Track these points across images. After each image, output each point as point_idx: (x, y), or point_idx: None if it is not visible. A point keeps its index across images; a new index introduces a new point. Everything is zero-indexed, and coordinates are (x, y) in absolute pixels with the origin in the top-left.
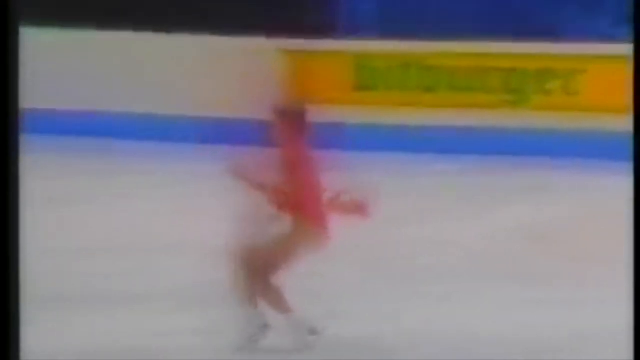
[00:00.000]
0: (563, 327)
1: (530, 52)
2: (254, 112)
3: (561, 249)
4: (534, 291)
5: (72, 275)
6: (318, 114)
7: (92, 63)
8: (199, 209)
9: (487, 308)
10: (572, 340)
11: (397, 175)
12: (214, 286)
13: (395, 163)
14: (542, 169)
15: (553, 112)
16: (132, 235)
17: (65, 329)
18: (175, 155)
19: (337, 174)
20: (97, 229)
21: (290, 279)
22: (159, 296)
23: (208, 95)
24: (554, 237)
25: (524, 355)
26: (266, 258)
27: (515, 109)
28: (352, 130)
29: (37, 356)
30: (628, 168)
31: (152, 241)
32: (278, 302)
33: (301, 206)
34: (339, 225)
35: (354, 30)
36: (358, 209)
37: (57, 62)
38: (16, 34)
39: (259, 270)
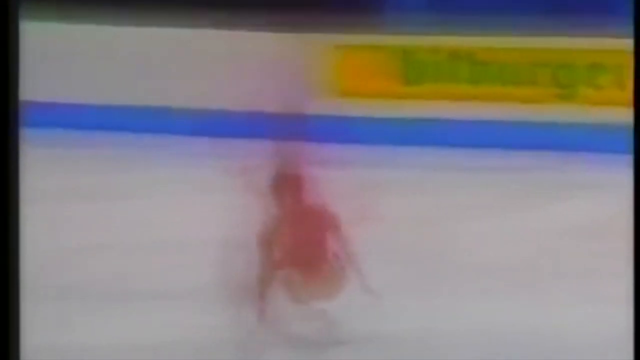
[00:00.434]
0: (618, 323)
1: (581, 47)
2: (302, 107)
3: (614, 246)
4: (587, 288)
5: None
6: (365, 109)
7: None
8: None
9: (540, 305)
10: (627, 337)
11: (446, 170)
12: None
13: (443, 158)
14: (593, 165)
15: (604, 107)
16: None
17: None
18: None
19: (384, 168)
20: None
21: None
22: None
23: (254, 90)
24: (606, 234)
25: (577, 353)
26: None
27: (565, 103)
28: (399, 124)
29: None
30: None
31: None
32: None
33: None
34: (388, 221)
35: (401, 25)
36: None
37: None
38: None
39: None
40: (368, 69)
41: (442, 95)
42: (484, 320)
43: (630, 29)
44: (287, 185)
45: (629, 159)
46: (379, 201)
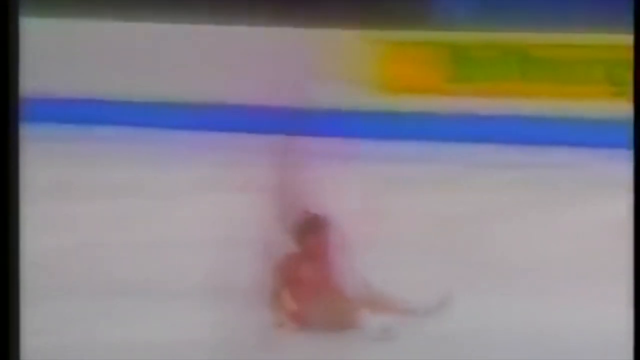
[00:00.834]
0: None
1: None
2: (351, 103)
3: None
4: (625, 288)
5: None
6: (413, 105)
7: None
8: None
9: (580, 304)
10: None
11: (495, 166)
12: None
13: (492, 154)
14: None
15: None
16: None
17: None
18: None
19: (432, 165)
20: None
21: (385, 271)
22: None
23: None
24: None
25: (619, 352)
26: None
27: (619, 100)
28: (447, 121)
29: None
30: None
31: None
32: None
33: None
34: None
35: (451, 21)
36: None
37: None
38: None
39: None
40: (416, 65)
41: (492, 92)
42: (532, 319)
43: None
44: (311, 227)
45: None
46: (426, 197)
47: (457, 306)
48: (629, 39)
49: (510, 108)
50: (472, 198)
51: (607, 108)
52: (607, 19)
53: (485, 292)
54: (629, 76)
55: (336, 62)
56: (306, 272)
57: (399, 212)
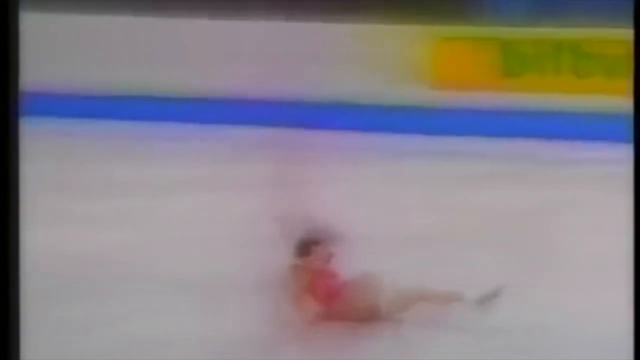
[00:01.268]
0: None
1: None
2: (402, 99)
3: None
4: None
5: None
6: (464, 101)
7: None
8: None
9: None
10: None
11: (548, 162)
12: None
13: (544, 150)
14: None
15: None
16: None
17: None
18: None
19: (484, 160)
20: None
21: (443, 267)
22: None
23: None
24: None
25: None
26: None
27: None
28: (499, 116)
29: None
30: None
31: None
32: None
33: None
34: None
35: (502, 16)
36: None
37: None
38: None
39: None
40: (468, 60)
41: (544, 87)
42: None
43: None
44: (312, 243)
45: None
46: (476, 194)
47: (515, 300)
48: None
49: (561, 103)
50: (527, 193)
51: None
52: None
53: (543, 287)
54: None
55: (388, 58)
56: (318, 282)
57: (452, 208)
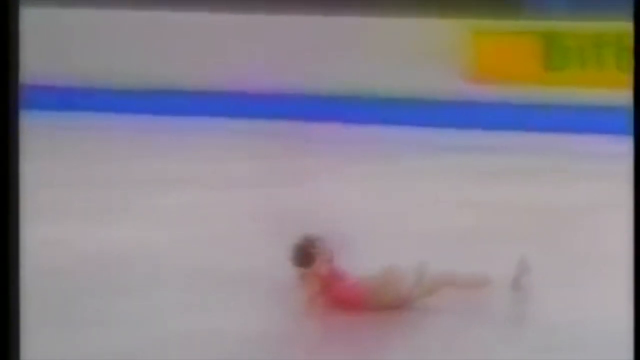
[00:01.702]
0: None
1: None
2: (446, 93)
3: None
4: None
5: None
6: (506, 94)
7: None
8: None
9: None
10: None
11: (589, 156)
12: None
13: (587, 144)
14: None
15: None
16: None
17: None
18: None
19: (522, 155)
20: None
21: (488, 264)
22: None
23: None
24: None
25: None
26: None
27: None
28: (540, 110)
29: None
30: None
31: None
32: None
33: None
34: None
35: (545, 10)
36: None
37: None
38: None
39: None
40: (510, 54)
41: (586, 81)
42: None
43: None
44: (316, 252)
45: None
46: (521, 189)
47: (556, 297)
48: None
49: (604, 97)
50: (568, 189)
51: None
52: None
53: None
54: None
55: (431, 52)
56: (329, 287)
57: (495, 204)
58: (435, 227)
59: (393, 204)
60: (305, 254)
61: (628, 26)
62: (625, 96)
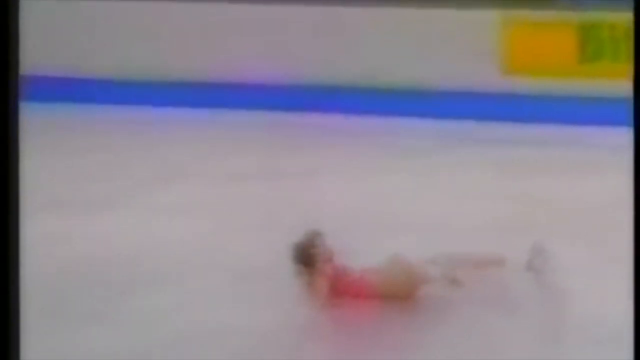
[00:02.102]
0: None
1: None
2: (479, 85)
3: None
4: None
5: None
6: (539, 86)
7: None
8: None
9: None
10: None
11: (622, 150)
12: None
13: (619, 137)
14: None
15: None
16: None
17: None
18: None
19: (555, 148)
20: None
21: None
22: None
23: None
24: None
25: None
26: None
27: None
28: (575, 102)
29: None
30: None
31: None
32: None
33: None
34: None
35: (578, 1)
36: None
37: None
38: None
39: None
40: (544, 46)
41: (621, 73)
42: None
43: None
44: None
45: None
46: (557, 182)
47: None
48: None
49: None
50: (603, 182)
51: None
52: None
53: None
54: None
55: (464, 43)
56: (335, 284)
57: (525, 197)
58: (471, 221)
59: (427, 198)
60: (305, 254)
61: None
62: None
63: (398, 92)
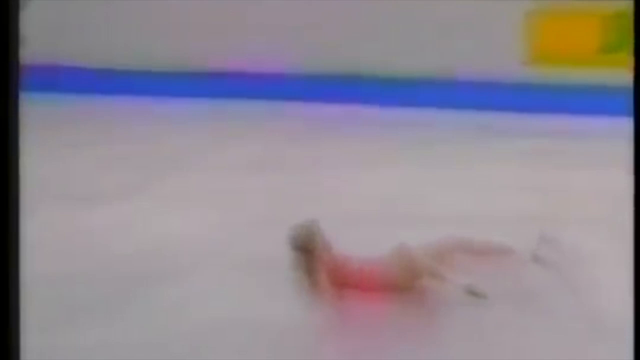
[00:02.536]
0: None
1: None
2: (495, 74)
3: None
4: None
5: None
6: (563, 76)
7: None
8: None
9: None
10: None
11: None
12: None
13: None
14: None
15: None
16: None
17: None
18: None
19: (577, 139)
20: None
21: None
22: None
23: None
24: None
25: None
26: None
27: None
28: (598, 93)
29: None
30: None
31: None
32: None
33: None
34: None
35: None
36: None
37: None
38: None
39: None
40: (565, 36)
41: None
42: None
43: None
44: (306, 240)
45: None
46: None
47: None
48: None
49: None
50: (624, 174)
51: None
52: None
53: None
54: None
55: (486, 33)
56: (334, 274)
57: (548, 188)
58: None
59: (445, 189)
60: (303, 240)
61: None
62: None
63: (417, 82)
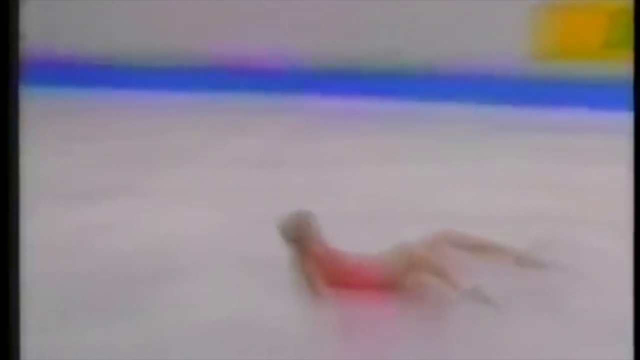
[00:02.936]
0: None
1: None
2: (503, 70)
3: None
4: None
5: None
6: (572, 71)
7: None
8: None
9: None
10: None
11: None
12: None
13: None
14: None
15: None
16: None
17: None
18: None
19: (585, 134)
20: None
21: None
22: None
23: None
24: None
25: None
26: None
27: None
28: (602, 87)
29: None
30: None
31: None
32: None
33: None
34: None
35: None
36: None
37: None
38: None
39: None
40: (572, 30)
41: None
42: None
43: None
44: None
45: None
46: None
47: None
48: None
49: None
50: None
51: None
52: None
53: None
54: None
55: (492, 28)
56: (328, 269)
57: (558, 184)
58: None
59: (457, 186)
60: (294, 230)
61: None
62: None
63: (421, 77)
